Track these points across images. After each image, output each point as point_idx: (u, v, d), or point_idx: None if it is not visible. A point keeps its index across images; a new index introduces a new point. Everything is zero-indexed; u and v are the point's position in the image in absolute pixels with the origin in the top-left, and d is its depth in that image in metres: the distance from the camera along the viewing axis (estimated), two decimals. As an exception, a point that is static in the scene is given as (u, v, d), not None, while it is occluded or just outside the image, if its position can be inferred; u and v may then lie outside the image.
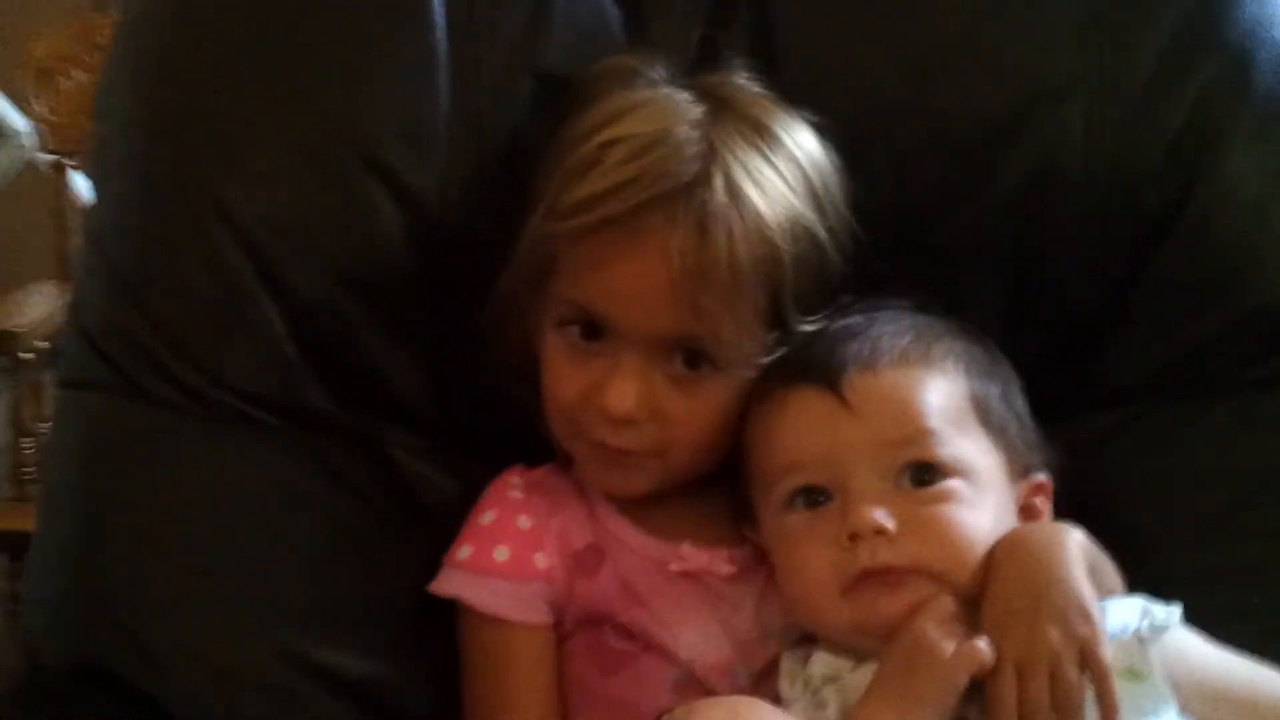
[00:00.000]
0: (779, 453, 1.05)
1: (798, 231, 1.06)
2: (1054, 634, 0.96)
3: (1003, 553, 1.01)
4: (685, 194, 1.02)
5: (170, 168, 1.15)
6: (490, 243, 1.13)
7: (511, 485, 1.16)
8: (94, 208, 1.20)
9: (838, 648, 1.04)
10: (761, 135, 1.07)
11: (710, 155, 1.03)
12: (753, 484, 1.09)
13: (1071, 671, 0.95)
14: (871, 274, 1.12)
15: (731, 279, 1.02)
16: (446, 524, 1.17)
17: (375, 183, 1.15)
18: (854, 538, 0.99)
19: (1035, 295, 1.22)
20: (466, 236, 1.16)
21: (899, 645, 0.98)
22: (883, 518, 0.99)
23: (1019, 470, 1.09)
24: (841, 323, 1.10)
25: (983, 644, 0.96)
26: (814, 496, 1.03)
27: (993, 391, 1.09)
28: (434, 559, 1.15)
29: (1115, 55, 1.20)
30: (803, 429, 1.04)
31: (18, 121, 2.94)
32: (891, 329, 1.08)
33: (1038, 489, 1.10)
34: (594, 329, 1.07)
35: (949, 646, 0.97)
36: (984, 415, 1.07)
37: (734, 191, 1.02)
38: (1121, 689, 0.96)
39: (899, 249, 1.20)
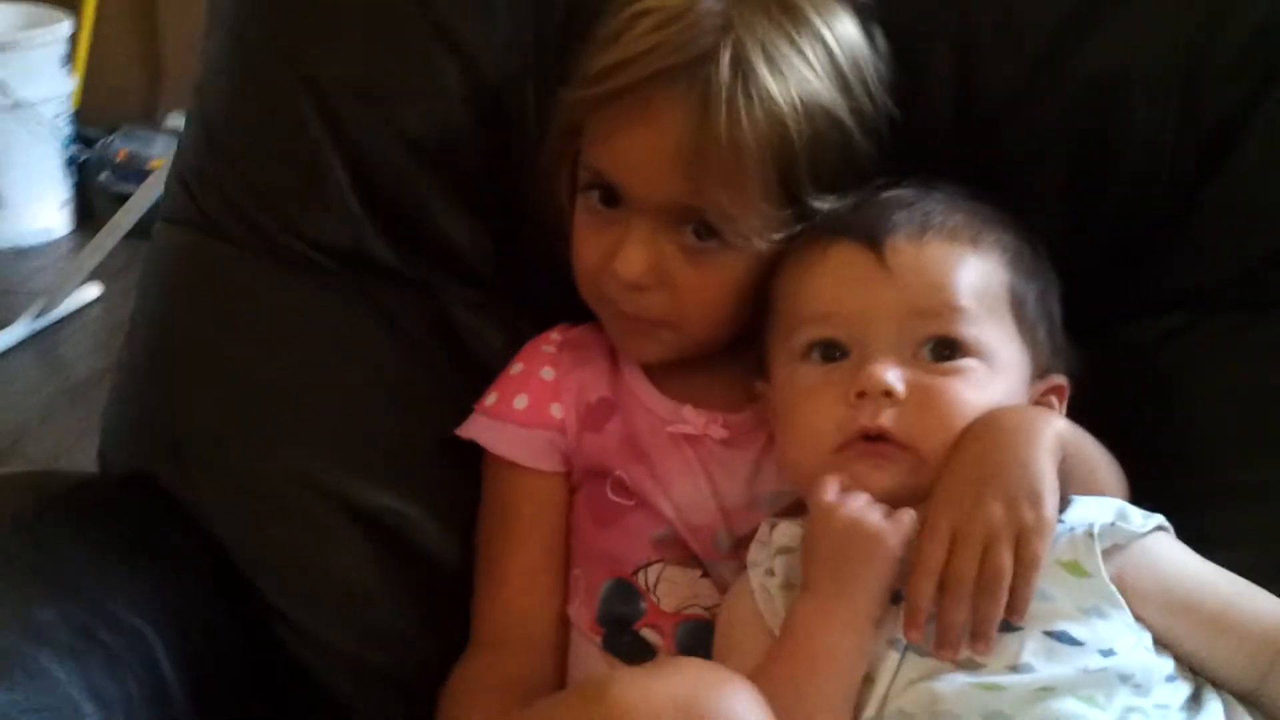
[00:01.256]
0: (808, 300, 1.04)
1: (815, 111, 1.05)
2: (996, 511, 0.95)
3: (975, 426, 1.00)
4: (690, 69, 1.02)
5: (261, 27, 1.24)
6: (542, 109, 1.18)
7: (548, 341, 1.21)
8: (201, 55, 1.28)
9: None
10: (788, 13, 1.06)
11: (725, 31, 1.03)
12: (774, 331, 1.07)
13: (1003, 553, 0.93)
14: (927, 169, 1.12)
15: (732, 156, 1.02)
16: (493, 375, 1.22)
17: (442, 49, 1.20)
18: (861, 395, 0.98)
19: (1098, 198, 1.18)
20: (520, 102, 1.20)
21: (822, 522, 0.98)
22: (894, 379, 0.98)
23: (1039, 369, 1.07)
24: (895, 191, 1.08)
25: (909, 514, 0.97)
26: (831, 350, 1.02)
27: (1031, 290, 1.07)
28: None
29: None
30: (836, 281, 1.03)
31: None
32: (944, 206, 1.06)
33: (1054, 389, 1.08)
34: (611, 196, 1.09)
35: (875, 517, 0.97)
36: (1017, 309, 1.05)
37: (742, 69, 1.02)
38: (1060, 581, 0.95)
39: (957, 146, 1.19)
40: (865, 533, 0.96)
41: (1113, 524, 0.98)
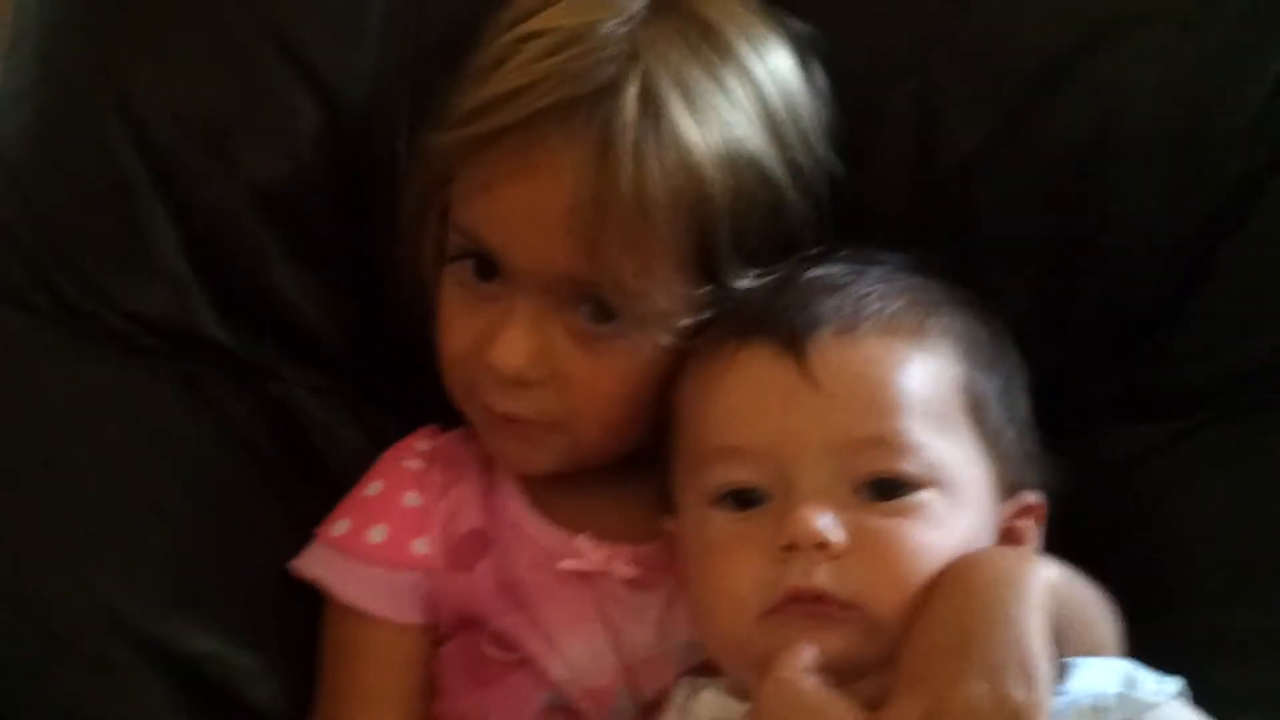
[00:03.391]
0: (716, 429, 0.87)
1: (739, 163, 0.88)
2: (981, 691, 0.75)
3: (945, 580, 0.82)
4: (589, 104, 0.86)
5: (72, 46, 1.04)
6: (415, 157, 1.00)
7: (411, 452, 1.02)
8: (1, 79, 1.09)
9: (737, 686, 0.86)
10: (708, 40, 0.89)
11: (632, 60, 0.87)
12: (678, 460, 0.91)
13: None
14: (878, 242, 0.96)
15: (638, 213, 0.85)
16: (346, 484, 1.03)
17: (295, 79, 1.03)
18: (790, 548, 0.82)
19: (1077, 278, 1.02)
20: (387, 146, 1.02)
21: (769, 697, 0.79)
22: (829, 527, 0.81)
23: (1006, 486, 0.89)
24: (819, 271, 0.91)
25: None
26: (750, 495, 0.85)
27: (992, 386, 0.90)
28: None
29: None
30: (750, 401, 0.86)
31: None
32: (881, 289, 0.89)
33: (1026, 511, 0.91)
34: (488, 266, 0.92)
35: (818, 695, 0.78)
36: (977, 413, 0.88)
37: (652, 107, 0.86)
38: None
39: (913, 213, 1.03)
40: (816, 715, 0.77)
41: (1121, 694, 0.80)
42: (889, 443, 0.83)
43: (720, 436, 0.87)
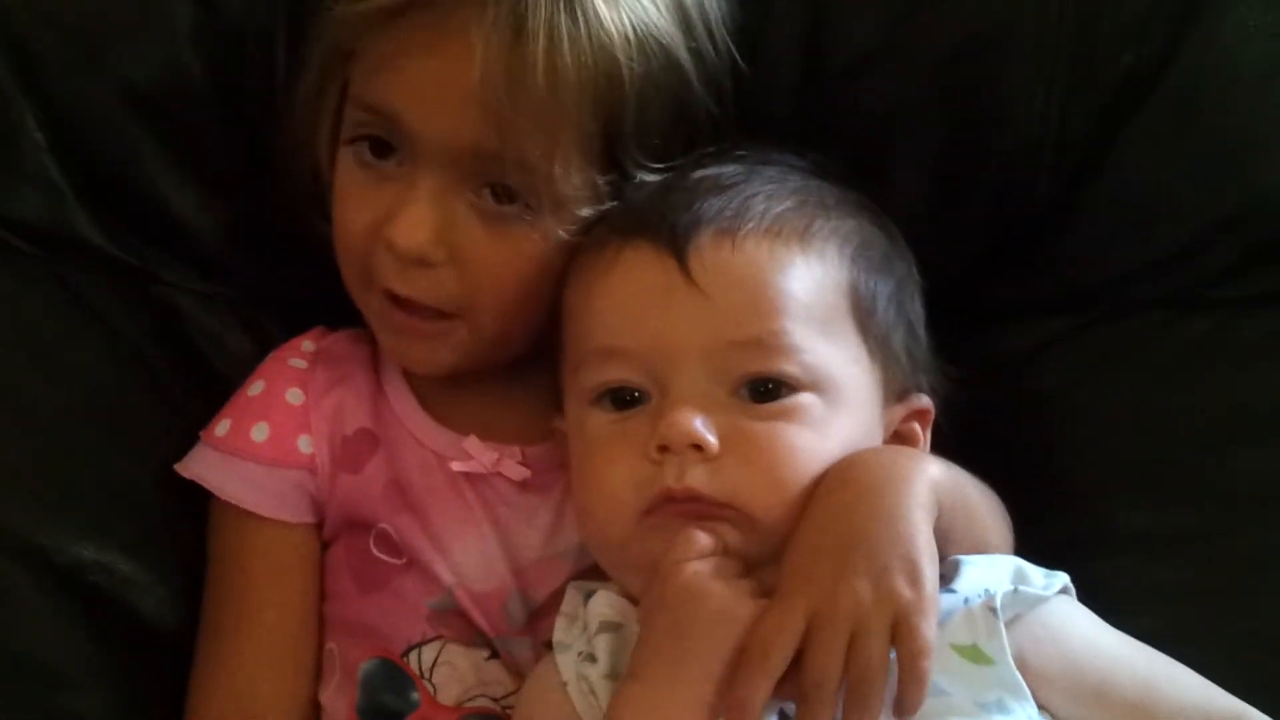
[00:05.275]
0: (596, 329, 0.85)
1: (650, 48, 0.86)
2: (863, 589, 0.75)
3: (830, 478, 0.80)
4: None
5: None
6: (295, 53, 0.97)
7: (296, 351, 1.00)
8: None
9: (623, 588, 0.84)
10: None
11: None
12: (563, 357, 0.89)
13: (876, 641, 0.73)
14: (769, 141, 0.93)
15: (548, 91, 0.83)
16: (230, 389, 1.00)
17: None
18: (663, 449, 0.80)
19: (971, 175, 1.01)
20: (265, 45, 0.99)
21: (659, 589, 0.78)
22: (702, 429, 0.79)
23: (896, 390, 0.88)
24: (709, 170, 0.89)
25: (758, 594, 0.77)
26: (627, 394, 0.84)
27: (882, 289, 0.88)
28: (206, 430, 0.99)
29: None
30: (629, 303, 0.84)
31: None
32: (770, 189, 0.87)
33: (916, 415, 0.89)
34: (384, 146, 0.89)
35: (718, 588, 0.76)
36: (863, 316, 0.86)
37: None
38: (955, 670, 0.77)
39: (805, 109, 1.01)
40: (709, 602, 0.76)
41: (1015, 590, 0.79)
42: (767, 344, 0.81)
43: (600, 337, 0.85)
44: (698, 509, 0.79)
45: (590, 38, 0.84)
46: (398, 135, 0.87)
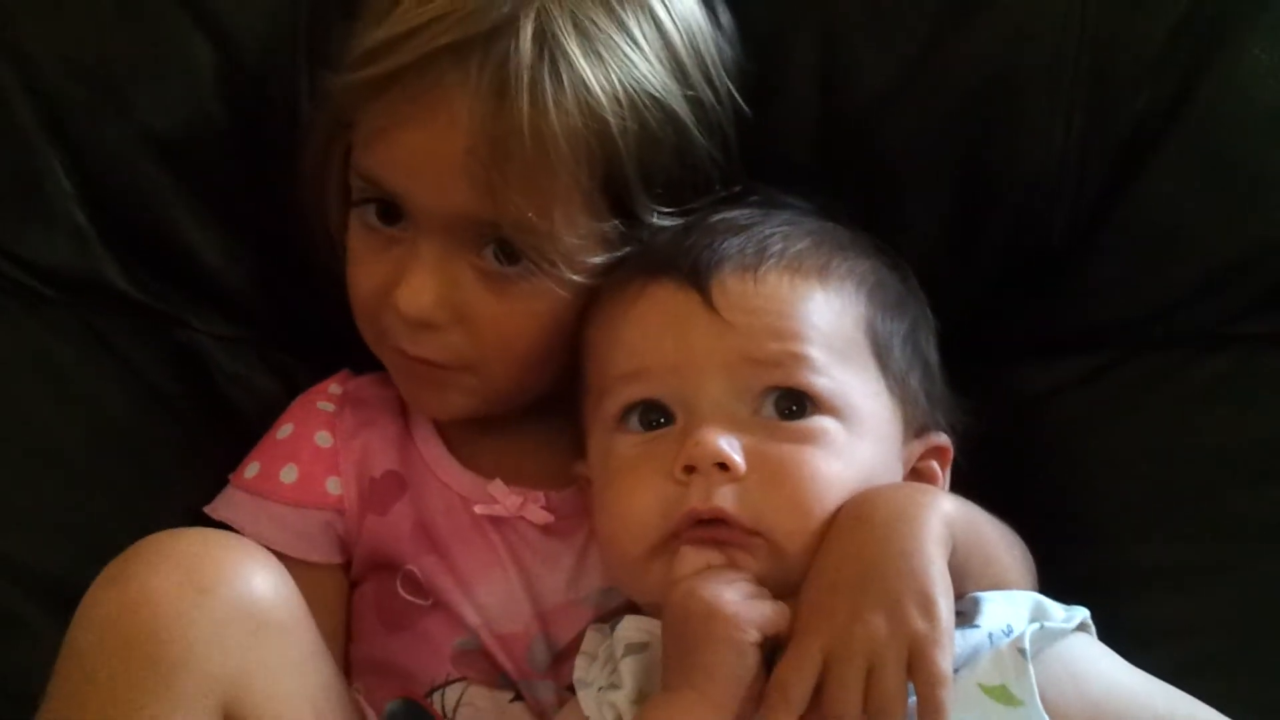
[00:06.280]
0: (620, 356, 0.86)
1: (642, 102, 0.86)
2: (878, 623, 0.75)
3: (844, 514, 0.80)
4: (485, 44, 0.83)
5: None
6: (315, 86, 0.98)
7: (323, 395, 1.00)
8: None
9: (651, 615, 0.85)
10: None
11: None
12: (586, 396, 0.89)
13: (892, 674, 0.73)
14: (783, 182, 0.95)
15: (536, 153, 0.83)
16: (259, 432, 1.01)
17: (189, 21, 1.01)
18: (689, 469, 0.80)
19: (988, 215, 1.01)
20: (287, 90, 1.00)
21: (669, 608, 0.79)
22: (729, 448, 0.80)
23: (914, 427, 0.89)
24: (726, 213, 0.90)
25: (772, 606, 0.77)
26: (652, 415, 0.84)
27: (897, 329, 0.89)
28: (235, 474, 1.00)
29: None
30: (652, 329, 0.85)
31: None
32: (786, 230, 0.88)
33: (934, 452, 0.89)
34: (391, 210, 0.89)
35: (732, 602, 0.77)
36: (881, 353, 0.87)
37: (548, 45, 0.83)
38: (985, 713, 0.76)
39: (820, 154, 1.01)
40: (716, 615, 0.76)
41: (1041, 627, 0.79)
42: (790, 361, 0.82)
43: (623, 363, 0.85)
44: (725, 535, 0.80)
45: (577, 100, 0.84)
46: (398, 203, 0.88)
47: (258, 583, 0.80)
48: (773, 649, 0.78)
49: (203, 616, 0.77)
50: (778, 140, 0.99)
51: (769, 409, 0.82)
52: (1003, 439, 0.95)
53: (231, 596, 0.78)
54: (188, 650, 0.76)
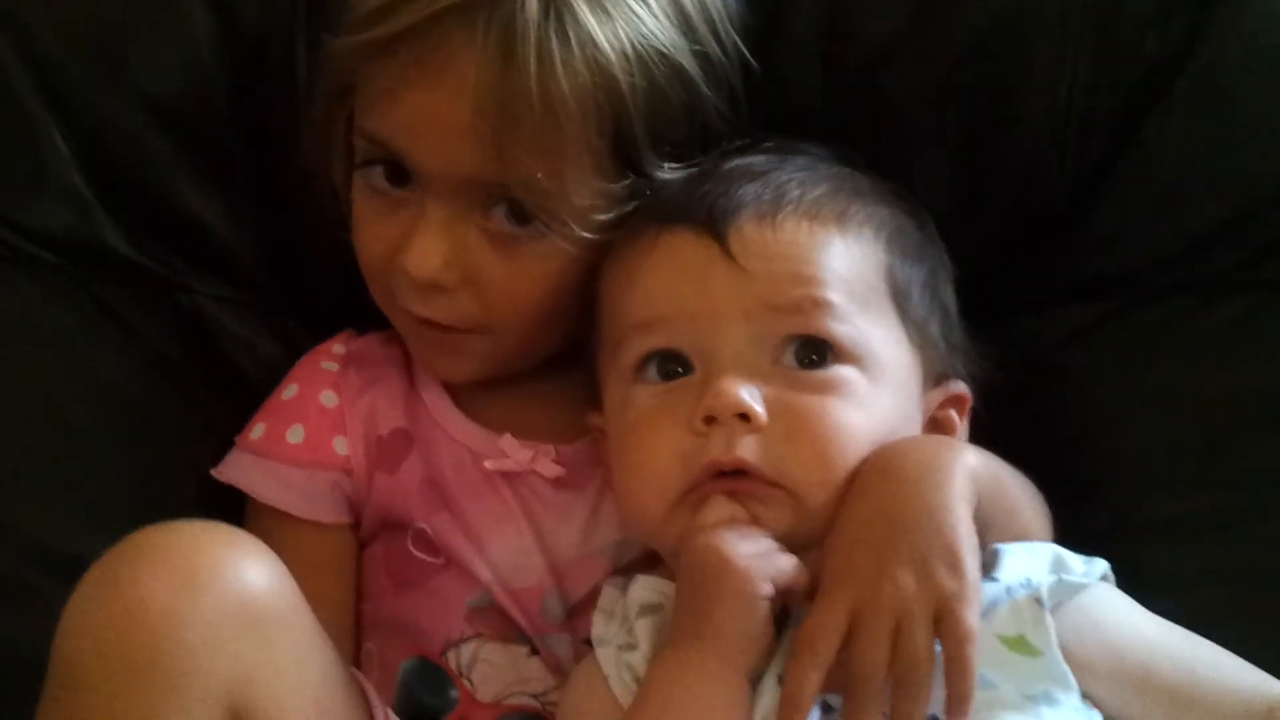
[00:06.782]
0: (637, 305, 0.85)
1: (650, 58, 0.85)
2: (907, 580, 0.74)
3: (869, 469, 0.80)
4: (490, 4, 0.82)
5: None
6: (315, 63, 0.96)
7: (327, 355, 1.00)
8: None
9: (671, 569, 0.84)
10: None
11: None
12: (601, 348, 0.88)
13: (920, 631, 0.73)
14: (788, 134, 0.94)
15: (545, 114, 0.82)
16: (264, 395, 1.01)
17: None
18: (709, 420, 0.79)
19: (994, 165, 1.00)
20: (286, 54, 0.99)
21: (686, 559, 0.78)
22: (749, 397, 0.79)
23: (933, 375, 0.88)
24: (742, 160, 0.89)
25: (787, 560, 0.77)
26: (670, 365, 0.83)
27: (916, 275, 0.88)
28: (240, 437, 0.99)
29: None
30: (669, 277, 0.84)
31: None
32: (803, 176, 0.87)
33: (953, 401, 0.89)
34: (399, 171, 0.88)
35: (746, 555, 0.76)
36: (900, 301, 0.86)
37: (554, 2, 0.82)
38: (1003, 662, 0.76)
39: (827, 104, 1.00)
40: (729, 568, 0.76)
41: (1059, 579, 0.79)
42: (810, 307, 0.81)
43: (640, 312, 0.84)
44: (746, 487, 0.79)
45: (585, 59, 0.83)
46: (404, 165, 0.87)
47: (252, 576, 0.77)
48: (784, 605, 0.78)
49: (199, 619, 0.73)
50: (782, 95, 0.97)
51: (789, 358, 0.81)
52: (1016, 391, 0.94)
53: (227, 594, 0.75)
54: (187, 655, 0.73)
